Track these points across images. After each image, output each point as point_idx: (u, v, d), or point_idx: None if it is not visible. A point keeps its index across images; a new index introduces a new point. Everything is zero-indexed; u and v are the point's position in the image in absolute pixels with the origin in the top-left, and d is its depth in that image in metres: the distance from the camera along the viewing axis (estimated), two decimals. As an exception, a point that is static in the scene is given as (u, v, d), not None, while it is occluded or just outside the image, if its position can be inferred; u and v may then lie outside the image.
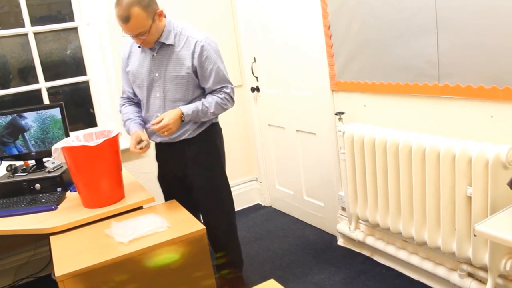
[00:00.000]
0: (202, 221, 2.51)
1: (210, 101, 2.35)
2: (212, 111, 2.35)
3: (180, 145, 2.43)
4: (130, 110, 2.51)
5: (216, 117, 2.51)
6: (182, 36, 2.31)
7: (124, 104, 2.55)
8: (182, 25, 2.34)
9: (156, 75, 2.34)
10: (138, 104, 2.52)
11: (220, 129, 2.58)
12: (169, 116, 2.25)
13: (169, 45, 2.31)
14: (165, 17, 2.31)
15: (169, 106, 2.35)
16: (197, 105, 2.32)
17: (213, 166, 2.50)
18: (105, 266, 1.87)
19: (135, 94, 2.50)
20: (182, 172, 2.49)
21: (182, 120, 2.30)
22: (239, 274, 2.72)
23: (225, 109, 2.42)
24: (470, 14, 2.05)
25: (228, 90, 2.40)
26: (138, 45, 2.32)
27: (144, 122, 2.48)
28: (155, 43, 2.30)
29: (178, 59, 2.30)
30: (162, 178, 2.63)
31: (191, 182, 2.49)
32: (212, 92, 2.38)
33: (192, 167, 2.46)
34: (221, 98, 2.37)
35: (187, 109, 2.30)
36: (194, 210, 2.45)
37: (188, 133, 2.40)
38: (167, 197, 2.61)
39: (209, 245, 2.20)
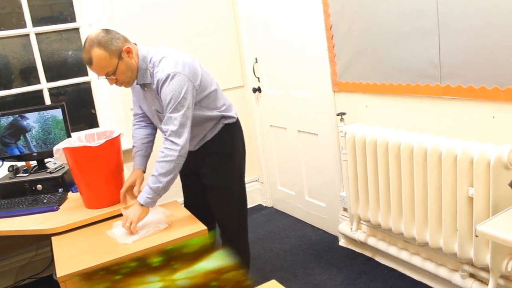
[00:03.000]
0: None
1: (154, 168, 2.13)
2: (157, 175, 2.10)
3: (197, 148, 2.40)
4: (139, 134, 2.45)
5: (230, 117, 2.41)
6: (154, 72, 2.17)
7: (135, 125, 2.50)
8: (155, 58, 2.16)
9: (153, 108, 2.30)
10: (149, 121, 2.49)
11: (237, 129, 2.48)
12: (127, 212, 2.12)
13: (149, 83, 2.23)
14: (138, 46, 2.20)
15: None
16: (148, 182, 2.15)
17: (225, 168, 2.44)
18: (106, 266, 1.87)
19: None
20: (197, 171, 2.47)
21: (145, 206, 2.13)
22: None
23: (175, 161, 2.10)
24: (471, 14, 2.05)
25: (166, 135, 2.12)
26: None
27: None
28: (134, 82, 2.23)
29: (157, 96, 2.21)
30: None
31: (204, 182, 2.47)
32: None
33: (204, 168, 2.43)
34: (161, 152, 2.11)
35: (141, 196, 2.13)
36: (209, 206, 2.47)
37: (207, 139, 2.37)
38: (184, 188, 2.62)
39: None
